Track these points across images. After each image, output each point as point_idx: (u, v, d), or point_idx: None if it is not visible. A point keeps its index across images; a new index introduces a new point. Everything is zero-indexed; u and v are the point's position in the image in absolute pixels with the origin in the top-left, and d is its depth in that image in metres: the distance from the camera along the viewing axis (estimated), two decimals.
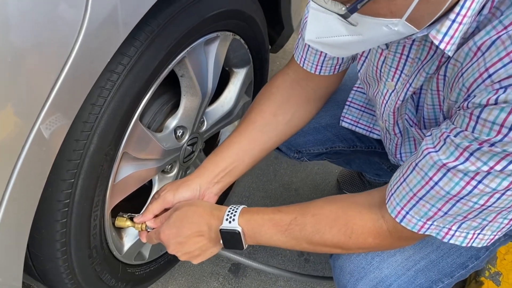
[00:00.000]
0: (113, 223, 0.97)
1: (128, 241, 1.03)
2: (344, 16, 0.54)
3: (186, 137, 1.05)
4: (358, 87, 1.08)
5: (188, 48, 0.88)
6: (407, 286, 0.82)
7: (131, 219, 0.97)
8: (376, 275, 0.81)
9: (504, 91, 0.52)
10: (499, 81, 0.53)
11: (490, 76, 0.55)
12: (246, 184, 1.56)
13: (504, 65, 0.53)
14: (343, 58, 0.90)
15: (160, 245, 1.14)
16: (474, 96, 0.57)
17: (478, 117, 0.56)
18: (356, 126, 1.08)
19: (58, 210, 0.76)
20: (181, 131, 1.04)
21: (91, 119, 0.73)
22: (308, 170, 1.61)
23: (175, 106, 1.01)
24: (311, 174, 1.60)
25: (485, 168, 0.58)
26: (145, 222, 0.95)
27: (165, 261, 1.18)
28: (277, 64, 1.95)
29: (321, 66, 0.92)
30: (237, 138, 0.98)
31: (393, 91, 0.78)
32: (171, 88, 1.01)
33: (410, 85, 0.73)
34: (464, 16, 0.56)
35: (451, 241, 0.69)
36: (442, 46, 0.59)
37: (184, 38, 0.85)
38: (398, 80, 0.75)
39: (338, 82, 1.00)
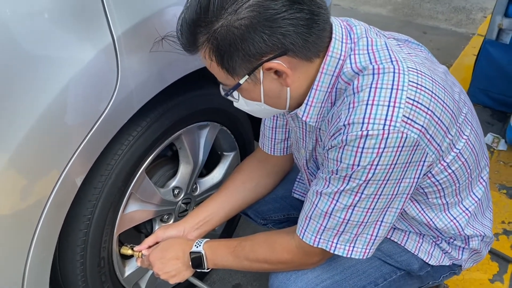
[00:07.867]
0: (119, 251, 1.34)
1: (129, 269, 1.38)
2: (224, 96, 0.97)
3: (181, 196, 1.45)
4: None
5: (184, 129, 1.33)
6: None
7: (132, 248, 1.33)
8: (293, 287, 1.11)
9: (334, 139, 0.91)
10: (332, 135, 0.92)
11: (330, 133, 0.94)
12: None
13: (334, 126, 0.92)
14: (287, 143, 1.31)
15: (155, 282, 1.47)
16: (325, 146, 0.95)
17: (327, 157, 0.94)
18: (304, 197, 1.44)
19: (83, 222, 1.15)
20: (178, 190, 1.44)
21: (112, 162, 1.15)
22: None
23: (175, 173, 1.44)
24: None
25: (336, 189, 0.94)
26: (141, 250, 1.31)
27: None
28: None
29: (274, 149, 1.33)
30: (215, 198, 1.37)
31: (304, 155, 1.17)
32: (173, 161, 1.44)
33: (307, 149, 1.13)
34: (312, 102, 0.97)
35: (336, 252, 1.01)
36: (304, 119, 1.00)
37: (181, 120, 1.30)
38: (305, 147, 1.15)
39: (290, 162, 1.39)
